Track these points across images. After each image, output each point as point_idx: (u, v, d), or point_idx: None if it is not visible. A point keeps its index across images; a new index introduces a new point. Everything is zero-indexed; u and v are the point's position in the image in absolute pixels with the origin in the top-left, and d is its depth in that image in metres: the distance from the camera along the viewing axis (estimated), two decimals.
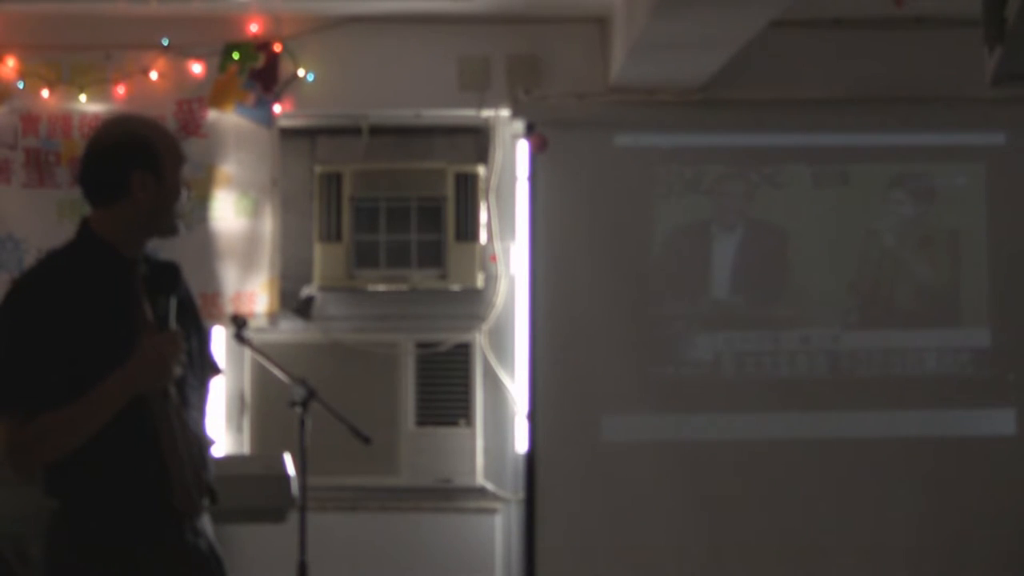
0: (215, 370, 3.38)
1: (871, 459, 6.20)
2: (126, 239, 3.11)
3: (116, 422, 2.98)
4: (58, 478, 3.04)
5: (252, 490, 5.06)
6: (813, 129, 6.32)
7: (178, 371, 3.05)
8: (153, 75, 6.08)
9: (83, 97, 6.06)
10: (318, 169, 6.32)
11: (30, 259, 5.76)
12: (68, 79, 6.08)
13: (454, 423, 6.36)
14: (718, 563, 6.18)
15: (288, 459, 5.18)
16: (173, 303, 3.10)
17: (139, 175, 3.08)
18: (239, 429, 6.34)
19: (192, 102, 6.11)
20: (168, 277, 3.19)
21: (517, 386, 6.36)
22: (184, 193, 3.17)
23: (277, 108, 6.13)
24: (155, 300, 3.11)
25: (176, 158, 3.15)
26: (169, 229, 3.17)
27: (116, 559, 3.01)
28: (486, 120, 6.30)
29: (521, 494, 6.31)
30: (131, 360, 2.99)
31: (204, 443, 3.19)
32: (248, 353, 5.95)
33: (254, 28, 6.11)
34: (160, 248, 5.49)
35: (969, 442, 6.26)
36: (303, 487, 4.86)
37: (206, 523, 3.19)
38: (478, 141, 6.41)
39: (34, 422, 2.96)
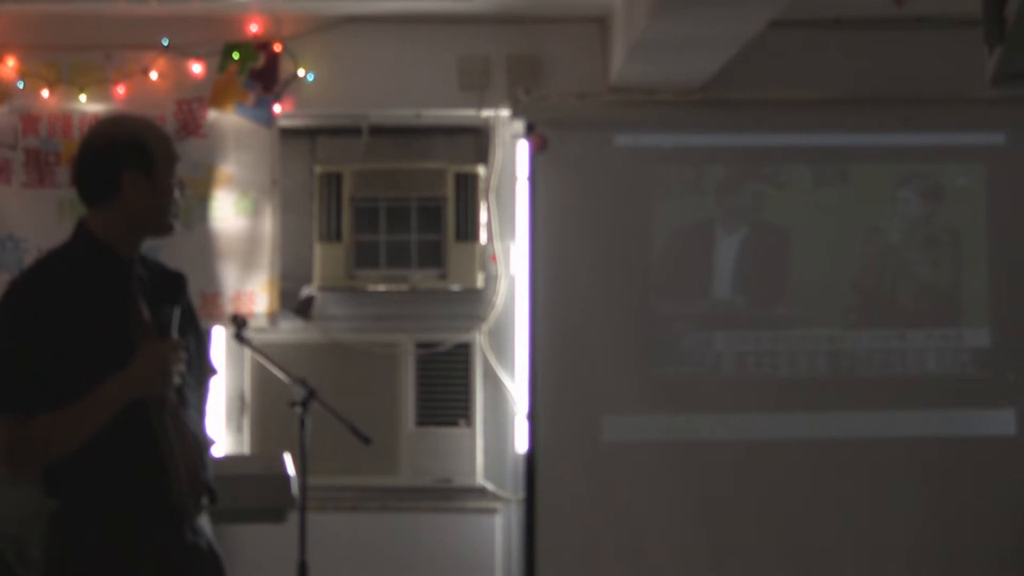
0: (212, 371, 3.39)
1: (871, 459, 6.20)
2: (121, 238, 3.11)
3: (115, 422, 2.98)
4: (57, 478, 3.04)
5: (252, 490, 5.06)
6: (813, 129, 6.32)
7: (177, 380, 3.06)
8: (153, 75, 6.08)
9: (83, 97, 6.06)
10: (318, 169, 6.32)
11: (30, 259, 5.75)
12: (68, 79, 6.08)
13: (454, 423, 6.36)
14: (718, 563, 6.18)
15: (288, 459, 5.18)
16: (176, 313, 3.10)
17: (130, 174, 3.08)
18: (239, 429, 6.34)
19: (192, 102, 6.11)
20: (173, 287, 3.20)
21: (517, 386, 6.36)
22: (178, 192, 3.17)
23: (277, 108, 6.13)
24: (158, 308, 3.11)
25: (169, 157, 3.15)
26: (163, 228, 3.17)
27: (115, 559, 3.01)
28: (486, 120, 6.30)
29: (521, 494, 6.30)
30: (131, 365, 3.00)
31: (203, 443, 3.19)
32: (248, 353, 5.96)
33: (254, 28, 6.11)
34: (161, 248, 5.53)
35: (969, 442, 6.26)
36: (303, 487, 4.86)
37: (205, 522, 3.19)
38: (478, 141, 6.41)
39: (32, 423, 2.96)
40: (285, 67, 6.13)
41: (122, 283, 3.11)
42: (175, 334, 3.09)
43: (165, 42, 6.07)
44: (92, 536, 3.01)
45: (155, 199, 3.11)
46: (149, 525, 3.05)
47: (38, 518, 3.15)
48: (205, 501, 3.18)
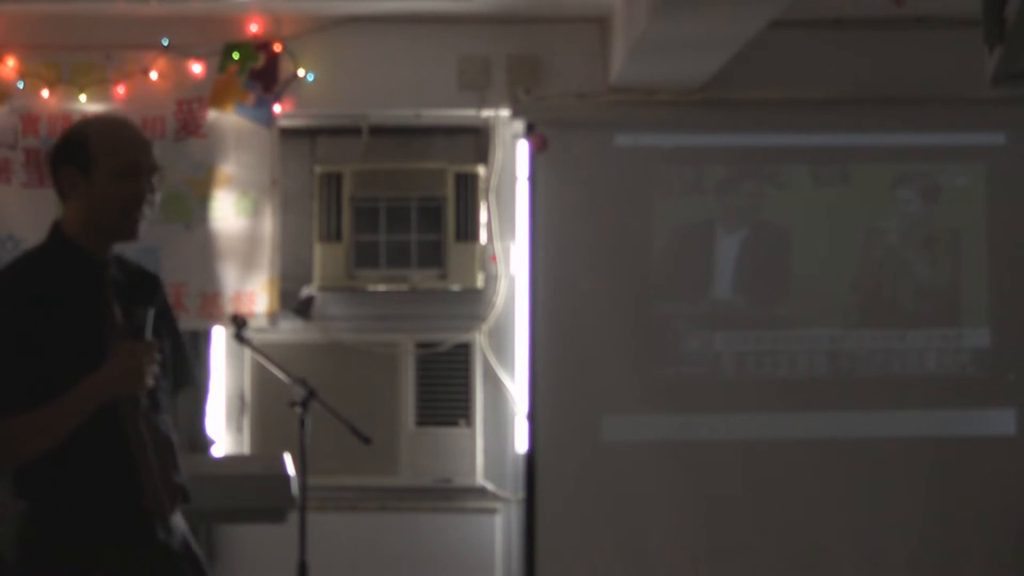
0: (188, 377, 3.37)
1: (871, 459, 6.20)
2: (88, 239, 3.10)
3: (86, 424, 2.98)
4: (27, 479, 3.04)
5: (252, 490, 5.06)
6: (813, 129, 6.31)
7: (150, 382, 3.05)
8: (153, 75, 6.08)
9: (83, 97, 6.06)
10: (318, 169, 6.32)
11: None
12: (68, 79, 6.08)
13: (454, 423, 6.36)
14: (718, 563, 6.18)
15: (288, 459, 5.18)
16: (151, 314, 3.10)
17: (67, 172, 3.08)
18: (239, 429, 6.34)
19: (192, 102, 6.11)
20: (147, 289, 3.19)
21: (517, 386, 6.36)
22: (132, 196, 3.08)
23: (277, 108, 6.12)
24: (132, 310, 3.10)
25: (115, 161, 3.07)
26: (121, 231, 3.11)
27: (87, 560, 3.01)
28: (486, 120, 6.30)
29: (521, 494, 6.31)
30: (105, 366, 2.99)
31: (174, 445, 3.18)
32: (248, 353, 5.96)
33: (254, 28, 6.11)
34: (162, 248, 5.51)
35: (969, 442, 6.26)
36: (303, 487, 4.86)
37: (179, 521, 3.18)
38: (478, 141, 6.41)
39: (4, 424, 2.95)
40: (285, 67, 6.13)
41: (95, 285, 3.10)
42: (149, 335, 3.08)
43: (165, 42, 6.06)
44: (62, 537, 3.00)
45: (94, 199, 3.07)
46: (120, 526, 3.04)
47: (11, 519, 3.14)
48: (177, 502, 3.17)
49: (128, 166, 3.08)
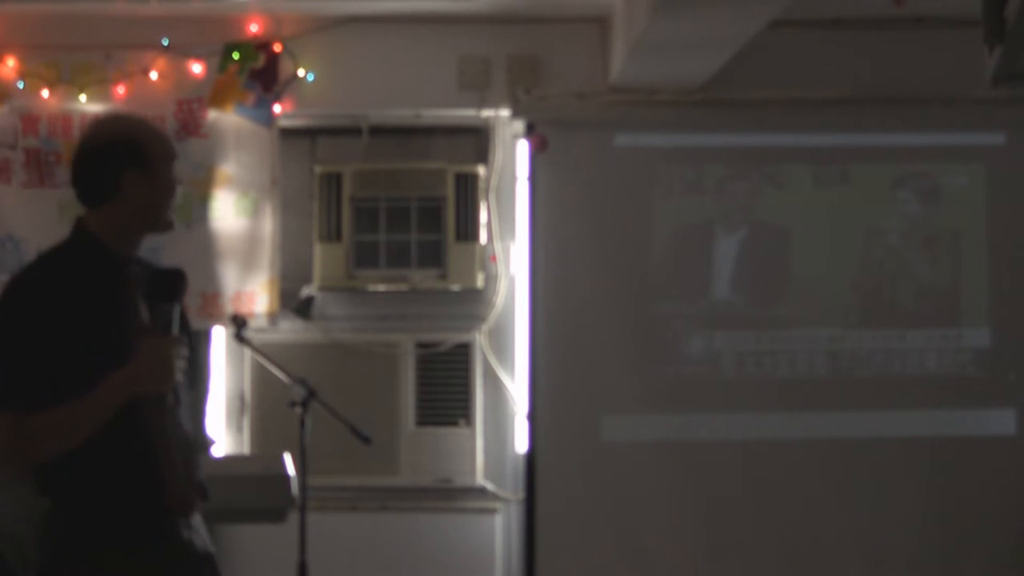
0: (199, 376, 3.39)
1: (871, 459, 6.20)
2: (120, 237, 3.13)
3: (110, 421, 2.98)
4: (51, 477, 3.04)
5: (252, 490, 5.07)
6: (813, 129, 6.32)
7: (179, 377, 3.07)
8: (153, 75, 6.09)
9: (83, 97, 6.06)
10: (318, 169, 6.32)
11: (30, 259, 5.76)
12: (68, 79, 6.09)
13: (454, 423, 6.36)
14: (718, 563, 6.18)
15: (288, 459, 5.18)
16: (177, 310, 3.10)
17: (131, 174, 3.09)
18: (239, 429, 6.34)
19: (192, 102, 6.11)
20: (173, 284, 3.20)
21: (517, 386, 6.36)
22: (178, 188, 3.19)
23: (277, 108, 6.13)
24: (158, 305, 3.11)
25: (166, 154, 3.17)
26: (164, 225, 3.18)
27: (110, 558, 3.01)
28: (486, 120, 6.31)
29: (521, 494, 6.31)
30: (133, 362, 2.99)
31: (195, 442, 3.19)
32: (248, 353, 5.96)
33: (254, 28, 6.11)
34: (162, 247, 5.51)
35: (969, 442, 6.26)
36: (303, 487, 4.86)
37: (199, 520, 3.19)
38: (478, 141, 6.42)
39: (33, 421, 2.95)
40: (285, 67, 6.13)
41: (120, 282, 3.11)
42: (176, 331, 3.09)
43: (165, 42, 6.07)
44: (85, 535, 3.01)
45: (155, 197, 3.13)
46: (144, 524, 3.05)
47: (34, 517, 3.15)
48: (197, 499, 3.17)
49: (173, 160, 3.19)
